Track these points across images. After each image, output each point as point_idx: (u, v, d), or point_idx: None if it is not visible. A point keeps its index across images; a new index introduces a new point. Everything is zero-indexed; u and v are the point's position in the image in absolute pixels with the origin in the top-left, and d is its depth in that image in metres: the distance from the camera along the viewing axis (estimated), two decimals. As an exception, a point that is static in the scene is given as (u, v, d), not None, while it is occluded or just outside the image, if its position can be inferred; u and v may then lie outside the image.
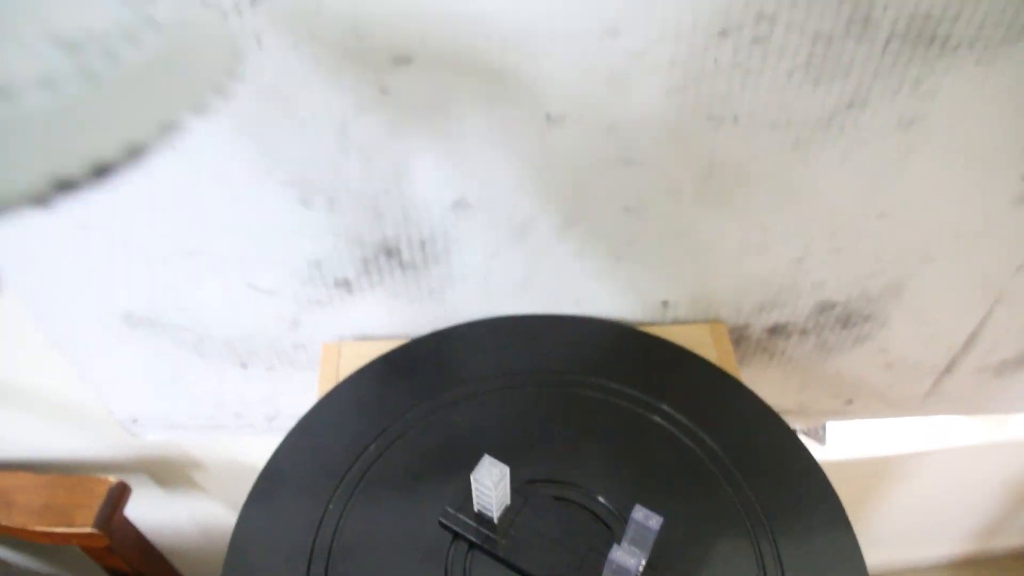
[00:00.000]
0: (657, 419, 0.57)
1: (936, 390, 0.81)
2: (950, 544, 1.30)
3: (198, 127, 0.52)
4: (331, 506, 0.52)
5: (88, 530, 0.78)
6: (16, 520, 0.79)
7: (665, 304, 0.66)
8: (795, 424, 0.99)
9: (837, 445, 1.03)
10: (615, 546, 0.45)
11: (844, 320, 0.70)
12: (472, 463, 0.47)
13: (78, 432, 0.85)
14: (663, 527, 0.46)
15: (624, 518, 0.49)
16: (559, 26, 0.47)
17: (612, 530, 0.50)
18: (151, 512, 0.98)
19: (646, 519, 0.46)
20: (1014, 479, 1.14)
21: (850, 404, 0.82)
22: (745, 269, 0.64)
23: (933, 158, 0.56)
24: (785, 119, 0.52)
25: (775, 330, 0.71)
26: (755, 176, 0.56)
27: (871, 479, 1.09)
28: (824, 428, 1.01)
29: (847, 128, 0.53)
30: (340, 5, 0.46)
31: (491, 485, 0.47)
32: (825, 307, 0.69)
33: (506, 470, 0.48)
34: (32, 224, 0.58)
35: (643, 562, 0.46)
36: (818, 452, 1.01)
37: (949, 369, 0.77)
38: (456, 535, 0.49)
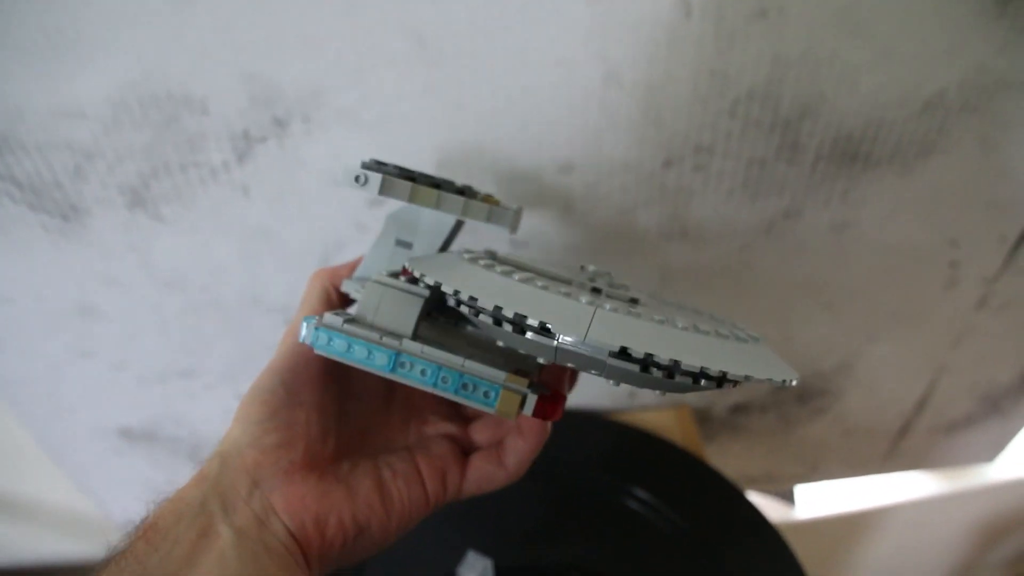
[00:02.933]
0: (630, 503, 0.61)
1: (894, 451, 0.85)
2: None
3: (187, 262, 0.57)
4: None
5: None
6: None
7: (632, 394, 0.71)
8: (764, 489, 1.03)
9: (808, 505, 1.07)
10: None
11: (801, 396, 0.75)
12: (459, 555, 0.51)
13: (80, 538, 0.87)
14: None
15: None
16: (520, 164, 0.52)
17: None
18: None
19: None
20: (980, 525, 1.18)
21: (815, 469, 0.87)
22: (705, 357, 0.69)
23: (868, 254, 0.61)
24: (729, 230, 0.57)
25: (737, 409, 0.76)
26: (706, 279, 0.61)
27: (844, 535, 1.13)
28: (792, 491, 1.05)
29: (786, 233, 0.58)
30: (322, 163, 0.51)
31: None
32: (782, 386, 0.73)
33: (489, 563, 0.51)
34: (36, 351, 0.62)
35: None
36: (789, 513, 1.06)
37: (903, 432, 0.82)
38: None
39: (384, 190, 0.36)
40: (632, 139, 0.51)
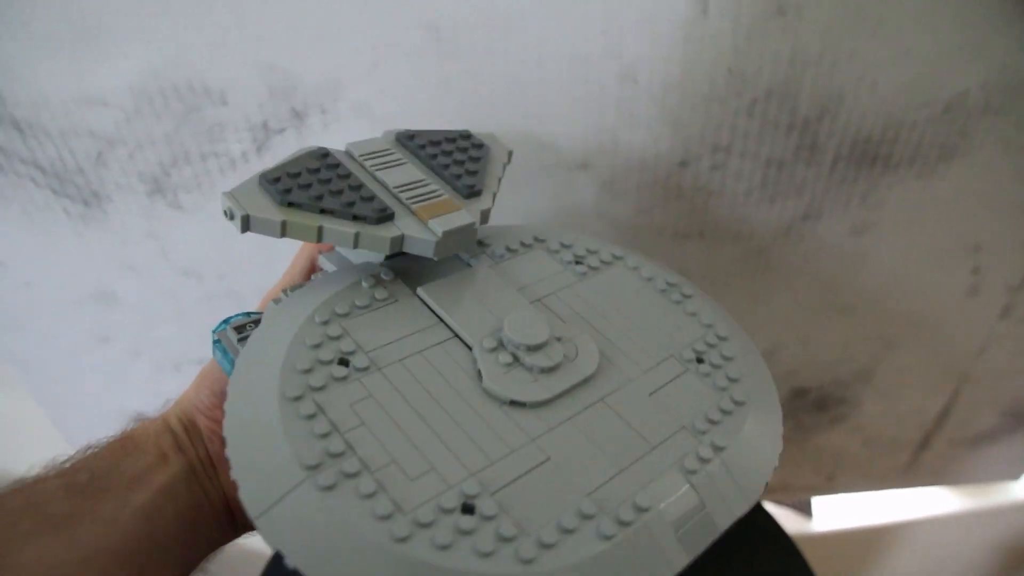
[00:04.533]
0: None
1: (914, 464, 0.84)
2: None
3: (205, 251, 0.57)
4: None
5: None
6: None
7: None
8: (780, 500, 1.01)
9: (826, 518, 1.05)
10: None
11: (819, 403, 0.74)
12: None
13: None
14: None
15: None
16: (535, 160, 0.52)
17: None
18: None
19: None
20: (1005, 545, 1.16)
21: (832, 480, 0.85)
22: (721, 360, 0.68)
23: (888, 258, 0.60)
24: (747, 231, 0.57)
25: (754, 414, 0.75)
26: (723, 281, 0.61)
27: (862, 550, 1.11)
28: (810, 503, 1.03)
29: (805, 236, 0.58)
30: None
31: None
32: (800, 393, 0.72)
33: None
34: (55, 335, 0.63)
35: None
36: (806, 525, 1.04)
37: (924, 444, 0.81)
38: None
39: (249, 228, 0.31)
40: (648, 137, 0.51)
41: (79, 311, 0.61)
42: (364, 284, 0.34)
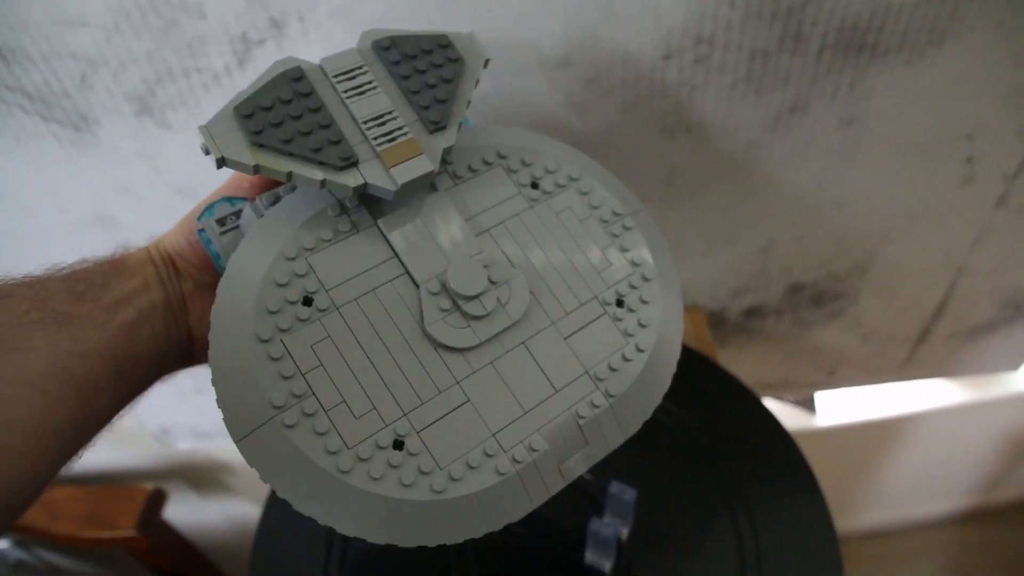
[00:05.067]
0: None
1: (913, 357, 0.85)
2: (953, 499, 1.34)
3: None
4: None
5: (130, 534, 0.85)
6: (65, 528, 0.86)
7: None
8: (783, 396, 1.03)
9: (830, 412, 1.07)
10: (593, 519, 0.50)
11: (816, 299, 0.75)
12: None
13: (116, 446, 0.92)
14: (642, 498, 0.50)
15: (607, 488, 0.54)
16: (516, 59, 0.52)
17: (596, 501, 0.55)
18: (188, 514, 1.05)
19: (621, 492, 0.51)
20: (1007, 435, 1.18)
21: (832, 375, 0.87)
22: (715, 260, 0.69)
23: (879, 150, 0.60)
24: (733, 125, 0.57)
25: (751, 312, 0.76)
26: (713, 177, 0.61)
27: (867, 443, 1.14)
28: (813, 399, 1.05)
29: (793, 128, 0.58)
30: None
31: None
32: (796, 289, 0.73)
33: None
34: (59, 263, 0.64)
35: (624, 531, 0.51)
36: (810, 421, 1.06)
37: (923, 337, 0.82)
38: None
39: (225, 166, 0.34)
40: (630, 31, 0.50)
41: (81, 236, 0.62)
42: (330, 213, 0.37)
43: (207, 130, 0.34)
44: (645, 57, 0.52)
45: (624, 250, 0.41)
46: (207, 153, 0.34)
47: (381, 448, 0.33)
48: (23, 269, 0.36)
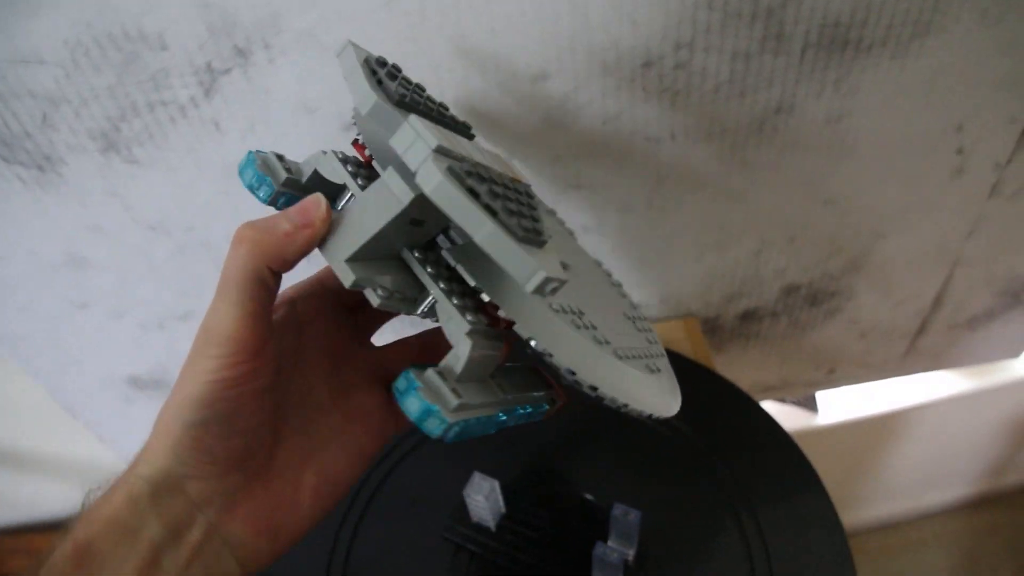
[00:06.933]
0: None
1: (913, 350, 0.84)
2: (961, 487, 1.33)
3: (169, 203, 0.56)
4: (341, 532, 0.55)
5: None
6: None
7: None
8: (784, 398, 1.02)
9: (831, 411, 1.06)
10: (598, 544, 0.48)
11: (811, 299, 0.73)
12: (466, 478, 0.51)
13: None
14: (646, 517, 0.49)
15: (611, 510, 0.53)
16: (490, 76, 0.50)
17: (601, 523, 0.53)
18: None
19: (625, 515, 0.49)
20: (1010, 422, 1.17)
21: (832, 373, 0.85)
22: (707, 266, 0.67)
23: (867, 146, 0.59)
24: (719, 129, 0.55)
25: (746, 316, 0.74)
26: (700, 182, 0.59)
27: (871, 438, 1.12)
28: (814, 398, 1.04)
29: (779, 129, 0.56)
30: (289, 89, 0.49)
31: (483, 498, 0.50)
32: (791, 290, 0.72)
33: (495, 483, 0.51)
34: (34, 306, 0.62)
35: (630, 553, 0.49)
36: (812, 420, 1.05)
37: (922, 330, 0.81)
38: (458, 547, 0.53)
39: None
40: (607, 40, 0.49)
41: (53, 279, 0.60)
42: None
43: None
44: (624, 66, 0.50)
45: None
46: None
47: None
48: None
